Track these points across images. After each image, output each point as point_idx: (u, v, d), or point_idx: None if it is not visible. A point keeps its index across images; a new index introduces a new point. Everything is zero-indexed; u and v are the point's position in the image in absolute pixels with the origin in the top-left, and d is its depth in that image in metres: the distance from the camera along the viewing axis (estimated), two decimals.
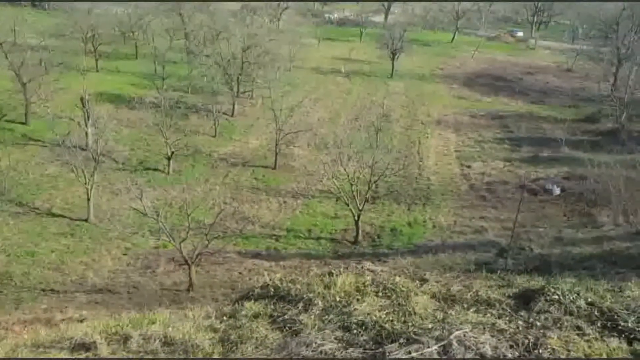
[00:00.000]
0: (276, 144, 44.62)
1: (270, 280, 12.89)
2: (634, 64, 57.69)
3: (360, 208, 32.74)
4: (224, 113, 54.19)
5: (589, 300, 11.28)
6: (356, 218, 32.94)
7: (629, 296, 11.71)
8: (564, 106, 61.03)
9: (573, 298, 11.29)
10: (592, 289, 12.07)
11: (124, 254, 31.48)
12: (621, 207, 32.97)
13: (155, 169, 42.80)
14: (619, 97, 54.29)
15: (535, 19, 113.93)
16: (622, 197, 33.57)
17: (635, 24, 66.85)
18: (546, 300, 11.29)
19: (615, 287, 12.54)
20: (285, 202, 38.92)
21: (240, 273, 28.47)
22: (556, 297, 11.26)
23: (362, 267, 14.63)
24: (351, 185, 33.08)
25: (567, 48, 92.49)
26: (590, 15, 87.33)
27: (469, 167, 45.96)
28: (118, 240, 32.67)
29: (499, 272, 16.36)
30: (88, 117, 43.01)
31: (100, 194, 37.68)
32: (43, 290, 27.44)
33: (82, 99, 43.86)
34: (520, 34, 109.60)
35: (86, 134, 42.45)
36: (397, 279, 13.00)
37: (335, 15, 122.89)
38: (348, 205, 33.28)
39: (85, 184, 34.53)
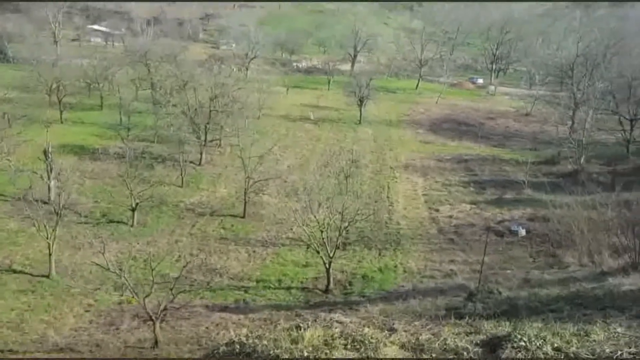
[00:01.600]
0: (245, 192, 44.45)
1: (236, 336, 12.61)
2: (590, 108, 60.48)
3: (331, 255, 32.57)
4: (191, 162, 54.01)
5: (555, 345, 11.38)
6: (327, 266, 32.70)
7: (594, 340, 11.87)
8: (525, 149, 63.24)
9: (539, 344, 11.37)
10: (558, 334, 12.20)
11: (87, 311, 30.32)
12: (585, 248, 33.75)
13: (119, 222, 41.91)
14: (577, 139, 56.63)
15: (493, 67, 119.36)
16: (586, 238, 34.43)
17: (589, 70, 70.56)
18: (513, 347, 11.35)
19: (581, 330, 12.71)
20: (254, 251, 38.43)
21: (207, 328, 27.66)
22: (523, 343, 11.33)
23: (330, 319, 14.50)
24: (321, 232, 33.01)
25: (525, 94, 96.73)
26: (545, 62, 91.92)
27: (437, 210, 46.63)
28: (80, 297, 31.51)
29: (467, 318, 16.45)
30: (51, 170, 42.35)
31: (62, 248, 36.56)
32: (1, 351, 26.08)
33: (45, 152, 43.26)
34: (480, 81, 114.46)
35: (48, 187, 41.64)
36: (366, 330, 12.90)
37: (303, 64, 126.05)
38: (319, 253, 33.08)
39: (47, 238, 33.53)
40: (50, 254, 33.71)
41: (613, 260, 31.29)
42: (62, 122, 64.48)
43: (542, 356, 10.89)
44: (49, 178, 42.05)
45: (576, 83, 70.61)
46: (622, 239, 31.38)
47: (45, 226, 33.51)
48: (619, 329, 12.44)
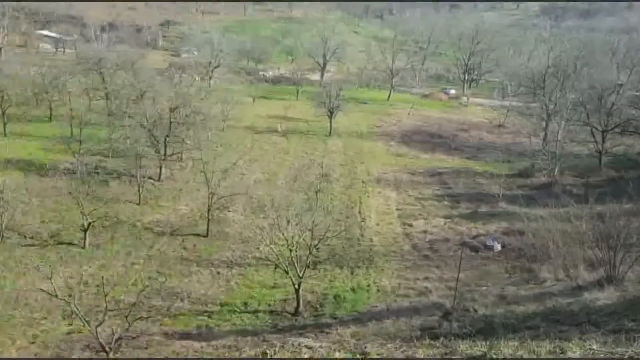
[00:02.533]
0: (208, 210, 43.86)
1: None
2: (562, 119, 62.38)
3: (301, 275, 32.32)
4: (150, 177, 53.07)
5: None
6: (296, 286, 32.41)
7: (570, 357, 12.10)
8: (499, 161, 64.63)
9: None
10: (534, 352, 12.41)
11: (32, 343, 29.09)
12: (561, 262, 34.54)
13: (69, 243, 40.62)
14: (551, 151, 58.23)
15: (466, 77, 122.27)
16: (561, 252, 35.27)
17: (560, 81, 72.92)
18: None
19: (557, 348, 12.96)
20: (218, 273, 37.85)
21: (166, 358, 27.00)
22: None
23: (299, 345, 14.35)
24: (290, 250, 32.78)
25: (497, 104, 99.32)
26: (516, 72, 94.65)
27: (410, 225, 47.02)
28: (24, 327, 30.23)
29: (442, 338, 16.57)
30: None
31: (5, 274, 35.20)
32: None
33: None
34: (452, 91, 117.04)
35: None
36: (337, 354, 12.84)
37: (270, 73, 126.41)
38: (288, 273, 32.79)
39: None
40: None
41: (588, 273, 32.14)
42: (5, 135, 62.69)
43: None
44: None
45: (548, 94, 72.81)
46: (596, 252, 32.27)
47: None
48: (594, 346, 12.74)
